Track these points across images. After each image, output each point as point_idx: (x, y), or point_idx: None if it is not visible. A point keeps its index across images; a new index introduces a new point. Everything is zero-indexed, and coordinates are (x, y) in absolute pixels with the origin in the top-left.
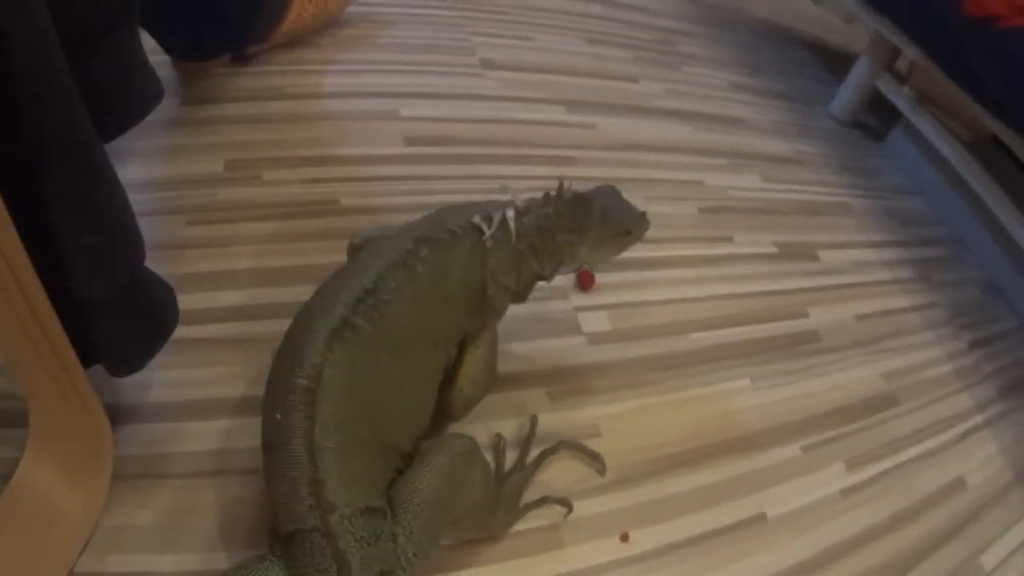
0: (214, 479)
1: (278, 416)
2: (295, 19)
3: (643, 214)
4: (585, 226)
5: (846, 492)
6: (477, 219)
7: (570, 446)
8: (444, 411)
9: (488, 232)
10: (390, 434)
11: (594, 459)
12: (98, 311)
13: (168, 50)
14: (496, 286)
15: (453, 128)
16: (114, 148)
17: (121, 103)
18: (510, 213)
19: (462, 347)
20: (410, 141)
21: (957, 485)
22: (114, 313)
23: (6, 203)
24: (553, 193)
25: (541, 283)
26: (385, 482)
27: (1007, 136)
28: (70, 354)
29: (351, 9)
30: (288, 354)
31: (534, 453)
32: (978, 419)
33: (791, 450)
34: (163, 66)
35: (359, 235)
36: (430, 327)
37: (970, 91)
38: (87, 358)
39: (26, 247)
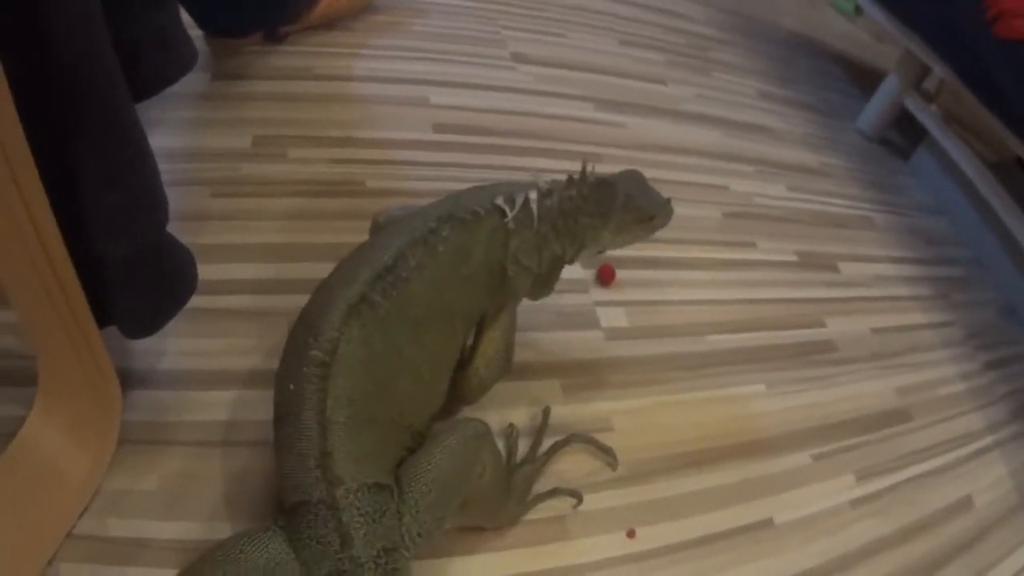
0: (222, 449)
1: (291, 387)
2: (330, 2)
3: (667, 200)
4: (608, 210)
5: (855, 503)
6: (500, 200)
7: (582, 439)
8: (458, 392)
9: (511, 214)
10: (403, 412)
11: (606, 453)
12: (118, 271)
13: (202, 25)
14: (517, 267)
15: (482, 118)
16: (144, 116)
17: (155, 64)
18: (532, 195)
19: (480, 328)
20: (439, 128)
21: (965, 504)
22: (133, 274)
23: (35, 157)
24: (577, 176)
25: (571, 277)
26: (395, 460)
27: None
28: (87, 312)
29: None
30: (305, 327)
31: (546, 445)
32: (989, 440)
33: (802, 457)
34: (196, 41)
35: (384, 213)
36: (449, 306)
37: (997, 112)
38: (102, 319)
39: (51, 203)
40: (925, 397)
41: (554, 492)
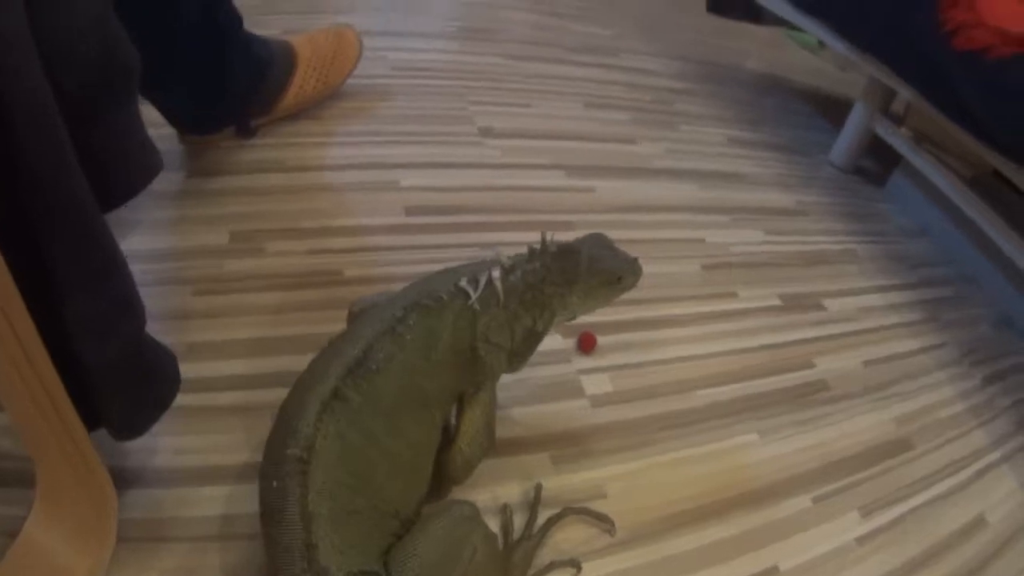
0: (217, 543)
1: (274, 484)
2: (297, 92)
3: (635, 260)
4: (573, 277)
5: (862, 540)
6: (463, 282)
7: (576, 511)
8: (444, 473)
9: (474, 295)
10: (386, 501)
11: (602, 521)
12: (100, 377)
13: (173, 123)
14: (488, 346)
15: (453, 197)
16: (121, 218)
17: (120, 174)
18: (496, 273)
19: (460, 408)
20: (411, 211)
21: (978, 523)
22: (116, 379)
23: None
24: (538, 247)
25: (541, 347)
26: (383, 548)
27: (1007, 168)
28: (74, 418)
29: (352, 81)
30: (283, 425)
31: (540, 520)
32: (995, 455)
33: (803, 501)
34: (169, 139)
35: (358, 302)
36: (422, 393)
37: (966, 126)
38: (92, 421)
39: (29, 313)
40: (925, 422)
41: (551, 566)
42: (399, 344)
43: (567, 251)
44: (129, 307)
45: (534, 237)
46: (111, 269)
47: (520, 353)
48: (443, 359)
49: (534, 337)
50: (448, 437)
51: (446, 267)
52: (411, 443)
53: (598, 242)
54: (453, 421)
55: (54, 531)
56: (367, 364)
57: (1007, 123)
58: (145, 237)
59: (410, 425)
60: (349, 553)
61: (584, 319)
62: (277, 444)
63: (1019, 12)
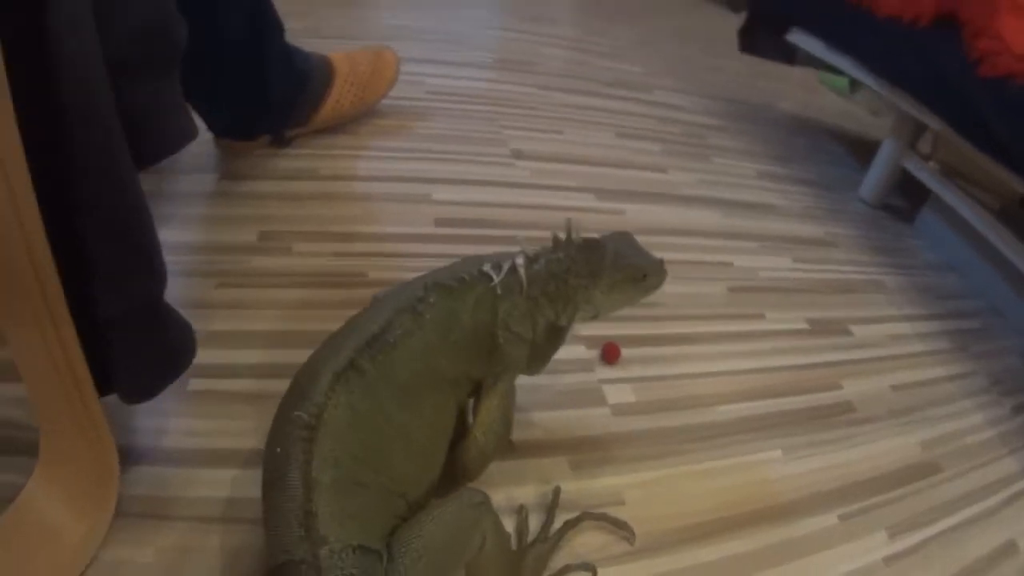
0: (219, 525)
1: (279, 450)
2: (333, 106)
3: (660, 261)
4: (598, 269)
5: (889, 560)
6: (487, 267)
7: (595, 516)
8: (459, 464)
9: (496, 279)
10: (394, 479)
11: (621, 528)
12: (116, 333)
13: (210, 126)
14: (508, 335)
15: (483, 212)
16: (157, 212)
17: (156, 134)
18: (520, 260)
19: (478, 398)
20: (441, 222)
21: (1008, 549)
22: (131, 336)
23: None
24: (563, 237)
25: (563, 356)
26: (387, 527)
27: None
28: (87, 380)
29: (388, 101)
30: (294, 393)
31: (557, 524)
32: None
33: (828, 519)
34: (205, 142)
35: (383, 291)
36: (439, 373)
37: (994, 154)
38: (102, 387)
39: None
40: (953, 447)
41: (566, 570)
42: (418, 322)
43: (592, 244)
44: (150, 263)
45: None
46: (138, 225)
47: (541, 350)
48: (462, 341)
49: (556, 332)
50: (464, 429)
51: (470, 255)
52: (424, 423)
53: (624, 240)
54: (470, 418)
55: (53, 496)
56: (384, 338)
57: None
58: (174, 231)
59: (425, 405)
60: (349, 525)
61: (609, 330)
62: (286, 411)
63: None
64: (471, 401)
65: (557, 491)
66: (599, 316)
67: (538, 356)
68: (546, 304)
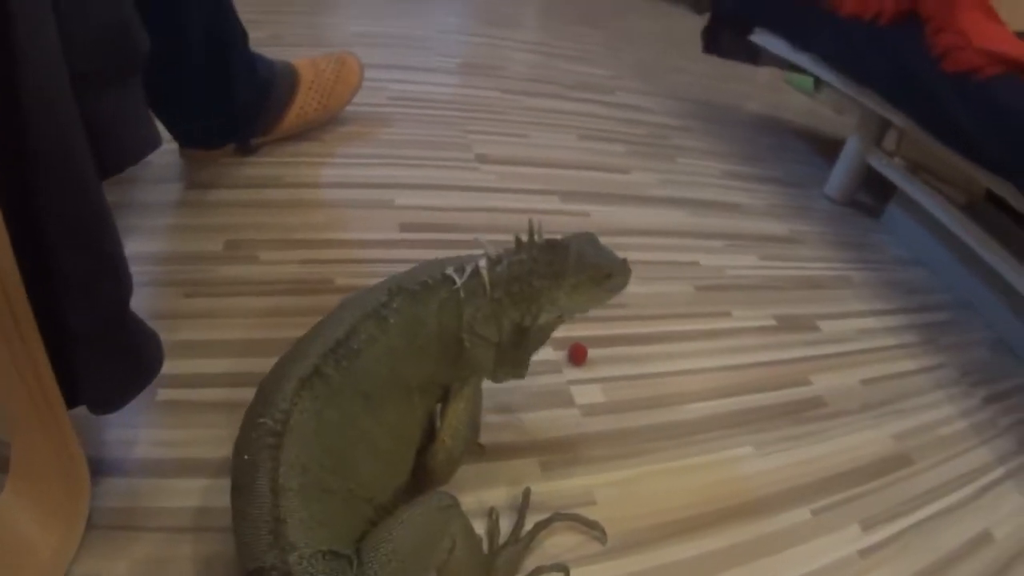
0: (191, 535)
1: (246, 457)
2: (298, 113)
3: (624, 260)
4: (561, 271)
5: (864, 552)
6: (449, 270)
7: (566, 517)
8: (427, 468)
9: (460, 281)
10: (361, 484)
11: (592, 528)
12: (83, 343)
13: (175, 136)
14: (474, 338)
15: (448, 216)
16: (121, 224)
17: (119, 142)
18: (482, 263)
19: (445, 402)
20: (405, 227)
21: (984, 538)
22: (98, 347)
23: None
24: (524, 239)
25: (542, 359)
26: (356, 532)
27: (1001, 188)
28: (55, 392)
29: (353, 107)
30: (260, 400)
31: (529, 525)
32: (999, 472)
33: (801, 514)
34: (170, 152)
35: (348, 298)
36: (403, 378)
37: (958, 147)
38: (70, 399)
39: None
40: (925, 439)
41: (538, 571)
42: (383, 327)
43: (555, 245)
44: (115, 271)
45: None
46: (101, 230)
47: (508, 354)
48: (427, 346)
49: (522, 334)
50: (432, 434)
51: (433, 259)
52: (390, 428)
53: (587, 240)
54: (438, 422)
55: (24, 509)
56: (349, 344)
57: (996, 140)
58: (141, 242)
59: (390, 410)
60: (319, 531)
61: (576, 331)
62: (253, 418)
63: (1002, 34)
64: (438, 406)
65: (527, 493)
66: (565, 318)
67: (506, 360)
68: (510, 306)
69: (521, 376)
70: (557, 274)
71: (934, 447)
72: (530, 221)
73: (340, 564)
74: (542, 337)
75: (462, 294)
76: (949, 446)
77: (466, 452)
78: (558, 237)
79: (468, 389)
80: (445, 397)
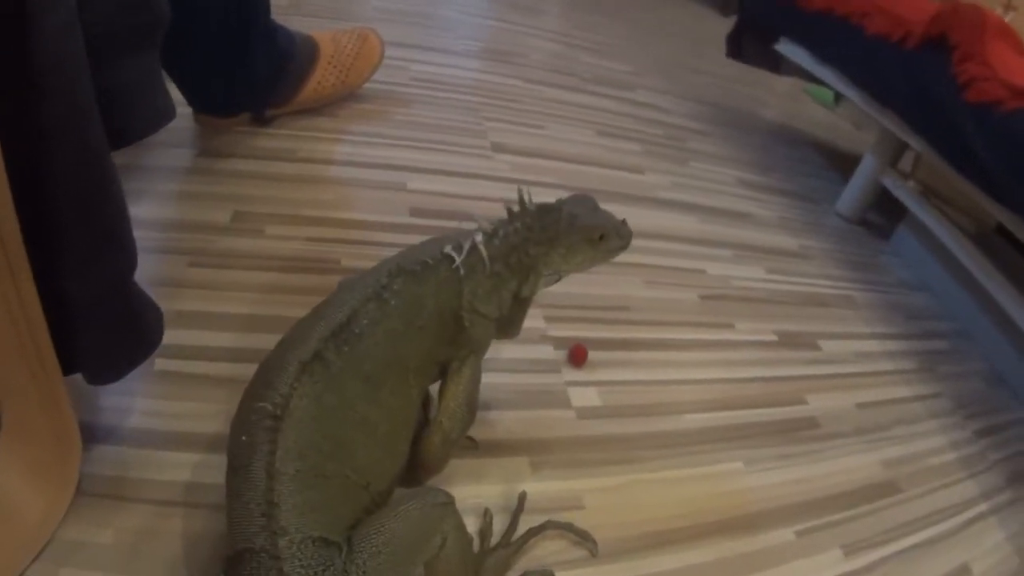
0: (180, 509)
1: (244, 438)
2: (315, 88)
3: (621, 221)
4: (554, 233)
5: None
6: (448, 248)
7: (559, 526)
8: (422, 451)
9: (459, 259)
10: (357, 471)
11: (584, 539)
12: (83, 312)
13: (190, 101)
14: (474, 316)
15: (459, 203)
16: (129, 187)
17: (133, 114)
18: (479, 238)
19: (443, 382)
20: (416, 212)
21: (962, 572)
22: (99, 317)
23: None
24: (516, 208)
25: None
26: (349, 520)
27: (1012, 223)
28: (52, 356)
29: (372, 85)
30: (260, 382)
31: (521, 529)
32: (984, 507)
33: (786, 534)
34: (184, 117)
35: (348, 279)
36: (403, 360)
37: (974, 178)
38: (67, 366)
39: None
40: (914, 468)
41: (525, 575)
42: (384, 310)
43: (547, 209)
44: (120, 243)
45: None
46: (109, 204)
47: (507, 321)
48: (428, 327)
49: (521, 303)
50: (426, 419)
51: (431, 237)
52: (388, 413)
53: (581, 201)
54: (433, 408)
55: (12, 471)
56: (351, 328)
57: (1012, 174)
58: (148, 207)
59: (389, 394)
60: (311, 517)
61: (578, 332)
62: (252, 400)
63: None
64: (432, 389)
65: (523, 497)
66: (562, 278)
67: (506, 325)
68: (509, 277)
69: (514, 336)
70: (551, 239)
71: (923, 477)
72: (519, 189)
73: (330, 552)
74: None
75: (462, 272)
76: (937, 477)
77: (462, 437)
78: (551, 202)
79: (467, 370)
80: (441, 376)
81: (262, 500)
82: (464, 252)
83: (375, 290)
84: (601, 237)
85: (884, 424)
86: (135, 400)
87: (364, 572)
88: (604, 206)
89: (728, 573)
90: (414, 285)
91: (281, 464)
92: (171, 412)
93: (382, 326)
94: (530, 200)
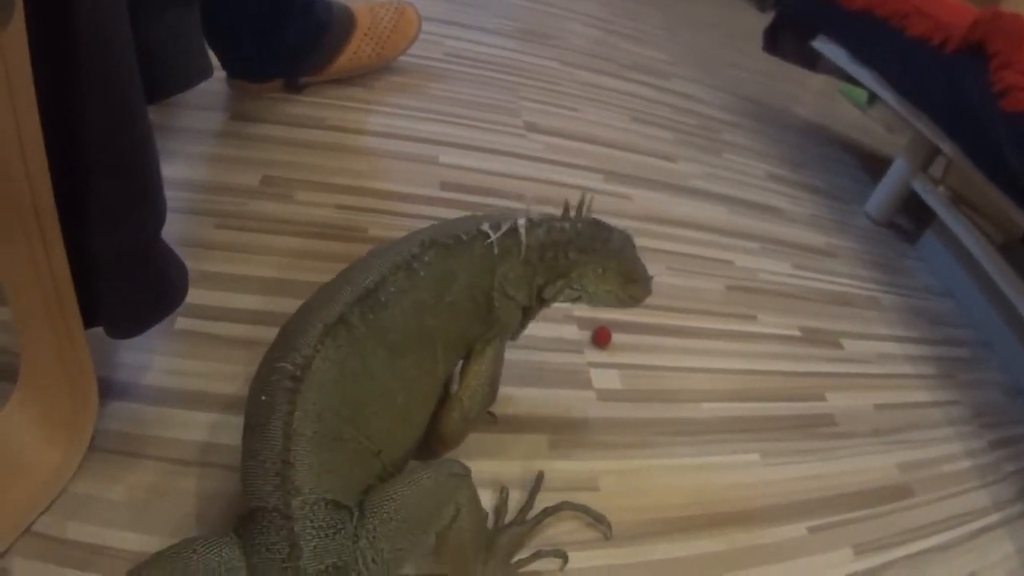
0: (193, 468)
1: (263, 398)
2: (350, 58)
3: (651, 276)
4: (599, 248)
5: None
6: (485, 226)
7: (575, 507)
8: (438, 431)
9: (494, 237)
10: (375, 438)
11: (599, 522)
12: (109, 266)
13: (225, 65)
14: (504, 299)
15: (490, 180)
16: (158, 148)
17: (170, 67)
18: (521, 222)
19: (466, 361)
20: (446, 186)
21: None
22: (125, 271)
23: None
24: (572, 209)
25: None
26: (362, 485)
27: None
28: (75, 309)
29: (407, 59)
30: (282, 343)
31: (537, 509)
32: (995, 518)
33: (798, 529)
34: (218, 80)
35: (377, 249)
36: (429, 333)
37: (1005, 187)
38: (88, 319)
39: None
40: (928, 474)
41: (537, 555)
42: (412, 280)
43: (600, 224)
44: (151, 199)
45: None
46: (141, 154)
47: (528, 311)
48: (456, 302)
49: (539, 304)
50: (446, 395)
51: (471, 214)
52: (408, 384)
53: (627, 240)
54: (455, 384)
55: (27, 422)
56: (377, 295)
57: None
58: (178, 167)
59: (411, 365)
60: (325, 479)
61: (603, 313)
62: (273, 360)
63: None
64: (457, 365)
65: (540, 476)
66: (582, 300)
67: (526, 318)
68: (541, 272)
69: (515, 340)
70: (594, 250)
71: (936, 483)
72: (583, 193)
73: (341, 515)
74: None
75: (496, 250)
76: (951, 484)
77: (480, 416)
78: (604, 221)
79: (491, 350)
80: (466, 356)
81: (277, 460)
82: (501, 231)
83: (405, 259)
84: (633, 280)
85: (901, 427)
86: (154, 357)
87: (374, 537)
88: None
89: (738, 565)
90: (446, 258)
91: (299, 425)
92: (190, 371)
93: (410, 296)
94: (589, 208)
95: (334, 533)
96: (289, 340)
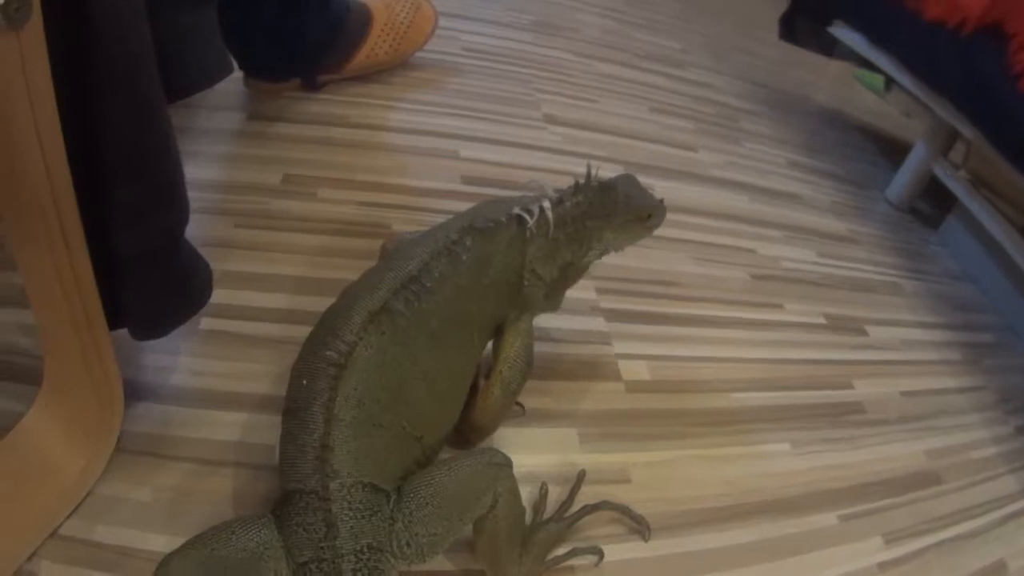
0: (222, 469)
1: (304, 382)
2: (368, 55)
3: (661, 200)
4: (612, 211)
5: (883, 566)
6: (517, 210)
7: (614, 507)
8: (476, 409)
9: (531, 221)
10: (413, 423)
11: (638, 522)
12: (132, 266)
13: (242, 65)
14: (532, 276)
15: (511, 173)
16: (180, 148)
17: (189, 65)
18: (547, 204)
19: (497, 339)
20: (467, 180)
21: (999, 568)
22: (149, 272)
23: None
24: (582, 182)
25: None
26: (400, 470)
27: None
28: (98, 307)
29: (424, 55)
30: (325, 328)
31: (575, 507)
32: (1023, 503)
33: (828, 518)
34: (235, 81)
35: (393, 240)
36: (468, 317)
37: None
38: (112, 321)
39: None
40: (956, 460)
41: (573, 553)
42: (454, 265)
43: (606, 187)
44: (174, 199)
45: None
46: (164, 154)
47: (554, 289)
48: (493, 284)
49: (567, 271)
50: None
51: (493, 199)
52: (448, 368)
53: (630, 181)
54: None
55: (52, 424)
56: (421, 282)
57: None
58: (198, 167)
59: (451, 349)
60: (364, 463)
61: (629, 305)
62: (316, 345)
63: None
64: (488, 345)
65: (581, 475)
66: (608, 252)
67: (552, 294)
68: (565, 245)
69: (556, 309)
70: (608, 215)
71: (964, 469)
72: (588, 165)
73: (378, 498)
74: (581, 273)
75: (533, 230)
76: (979, 470)
77: (520, 391)
78: (607, 180)
79: (522, 323)
80: (497, 335)
81: (317, 444)
82: (535, 215)
83: (446, 245)
84: (649, 216)
85: (928, 414)
86: (179, 358)
87: (410, 521)
88: (658, 182)
89: (770, 555)
90: (485, 243)
91: (340, 410)
92: (215, 371)
93: (451, 282)
94: (596, 176)
95: (370, 515)
96: (332, 326)
